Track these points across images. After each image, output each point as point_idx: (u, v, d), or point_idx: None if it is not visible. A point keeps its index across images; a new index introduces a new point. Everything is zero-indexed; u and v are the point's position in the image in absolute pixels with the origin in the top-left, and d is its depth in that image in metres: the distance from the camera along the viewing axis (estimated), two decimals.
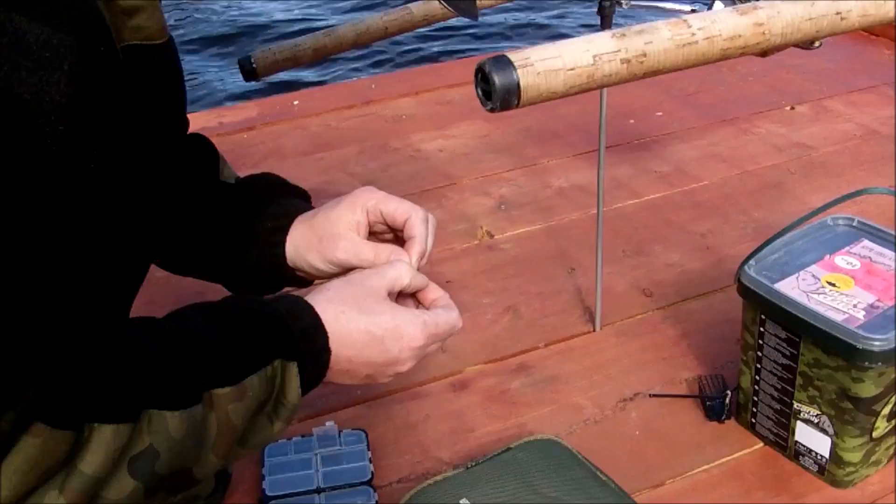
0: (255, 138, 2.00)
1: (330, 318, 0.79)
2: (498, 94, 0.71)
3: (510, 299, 1.45)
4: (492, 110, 0.72)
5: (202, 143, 1.02)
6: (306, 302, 0.80)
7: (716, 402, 1.18)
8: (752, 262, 1.09)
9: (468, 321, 1.40)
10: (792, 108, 2.04)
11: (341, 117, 2.09)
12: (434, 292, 0.88)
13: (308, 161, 1.90)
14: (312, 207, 0.96)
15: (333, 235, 0.90)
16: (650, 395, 1.22)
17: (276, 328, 0.76)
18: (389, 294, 0.84)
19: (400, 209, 0.90)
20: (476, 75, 0.73)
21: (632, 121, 2.00)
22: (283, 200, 0.97)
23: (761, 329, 1.09)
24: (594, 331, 1.37)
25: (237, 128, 2.03)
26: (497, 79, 0.71)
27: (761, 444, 1.15)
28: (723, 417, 1.18)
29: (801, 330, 1.03)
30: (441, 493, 0.99)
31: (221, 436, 0.73)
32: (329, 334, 0.78)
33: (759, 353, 1.11)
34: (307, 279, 0.96)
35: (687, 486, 1.10)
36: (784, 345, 1.07)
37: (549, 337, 1.36)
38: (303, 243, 0.91)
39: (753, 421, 1.15)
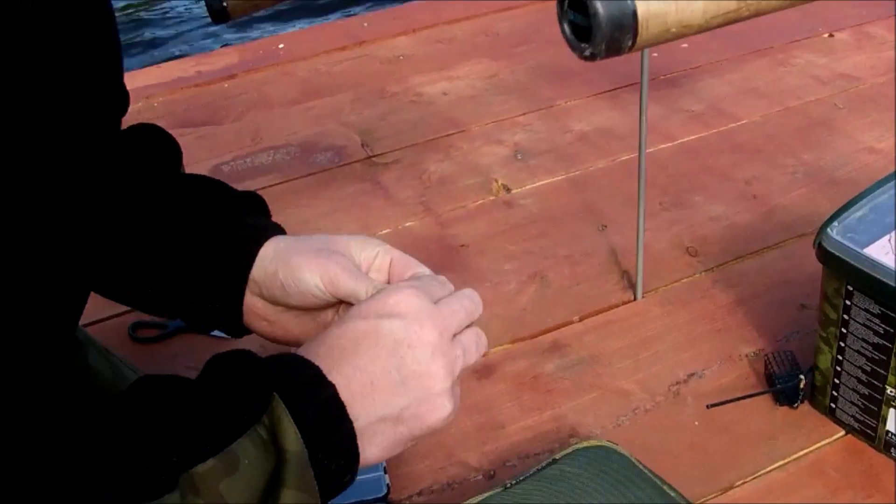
0: (237, 87, 1.80)
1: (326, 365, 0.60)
2: (603, 31, 0.50)
3: (535, 264, 1.27)
4: (591, 56, 0.51)
5: (160, 137, 0.82)
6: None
7: (787, 386, 1.01)
8: (835, 223, 0.91)
9: (488, 292, 1.22)
10: (831, 36, 1.84)
11: (332, 60, 1.88)
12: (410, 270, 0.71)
13: (297, 111, 1.70)
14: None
15: (334, 252, 0.71)
16: (707, 407, 1.03)
17: (261, 368, 0.58)
18: None
19: (411, 263, 0.73)
20: (561, 4, 0.52)
21: (655, 54, 1.79)
22: (261, 217, 0.79)
23: (847, 302, 0.91)
24: (635, 299, 1.19)
25: (217, 76, 1.83)
26: (601, 7, 0.50)
27: (843, 433, 0.99)
28: (795, 404, 1.01)
29: None
30: None
31: None
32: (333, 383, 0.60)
33: (844, 330, 0.93)
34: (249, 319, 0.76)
35: (761, 488, 0.94)
36: (877, 321, 0.89)
37: (584, 308, 1.18)
38: (287, 247, 0.72)
39: (833, 406, 0.98)
